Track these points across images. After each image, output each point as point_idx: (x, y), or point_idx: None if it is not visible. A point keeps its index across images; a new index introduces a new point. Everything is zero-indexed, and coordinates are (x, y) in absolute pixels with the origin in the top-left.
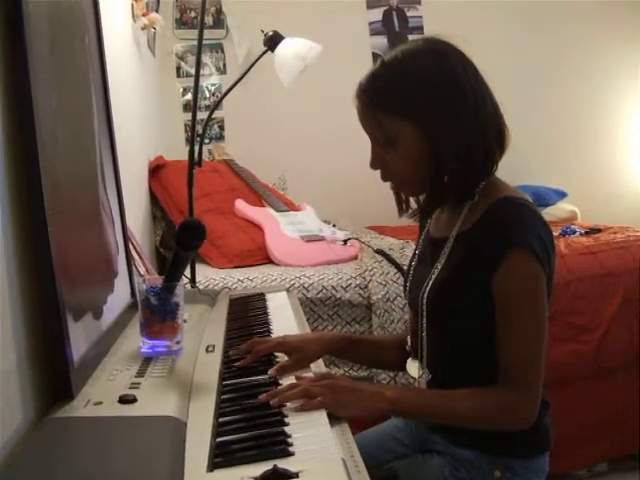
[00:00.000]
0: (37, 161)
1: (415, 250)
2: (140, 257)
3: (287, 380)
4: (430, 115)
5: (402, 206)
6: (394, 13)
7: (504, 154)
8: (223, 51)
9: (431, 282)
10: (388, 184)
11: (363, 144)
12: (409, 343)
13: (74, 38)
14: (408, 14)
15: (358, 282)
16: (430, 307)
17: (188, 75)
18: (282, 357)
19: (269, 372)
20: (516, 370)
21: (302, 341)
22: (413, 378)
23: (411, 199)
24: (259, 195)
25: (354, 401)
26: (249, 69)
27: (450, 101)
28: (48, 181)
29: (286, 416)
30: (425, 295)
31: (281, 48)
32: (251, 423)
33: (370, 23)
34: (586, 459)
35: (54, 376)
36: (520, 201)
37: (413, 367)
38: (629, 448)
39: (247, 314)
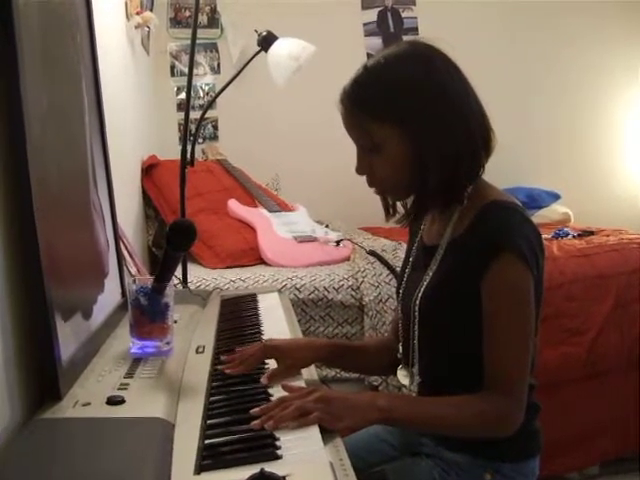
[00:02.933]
0: (25, 159)
1: (407, 257)
2: (131, 257)
3: (278, 386)
4: (414, 119)
5: (389, 211)
6: (389, 14)
7: (490, 157)
8: (217, 51)
9: (423, 289)
10: None
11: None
12: (400, 350)
13: (65, 35)
14: (403, 15)
15: (350, 283)
16: (422, 313)
17: (182, 74)
18: (272, 363)
19: (261, 380)
20: (501, 374)
21: (292, 347)
22: (404, 385)
23: (398, 203)
24: (252, 195)
25: (348, 412)
26: (242, 69)
27: (434, 104)
28: (36, 179)
29: None
30: (417, 302)
31: (275, 48)
32: (239, 426)
33: (365, 24)
34: (577, 462)
35: (42, 377)
36: (508, 205)
37: (403, 374)
38: (621, 451)
39: (238, 315)
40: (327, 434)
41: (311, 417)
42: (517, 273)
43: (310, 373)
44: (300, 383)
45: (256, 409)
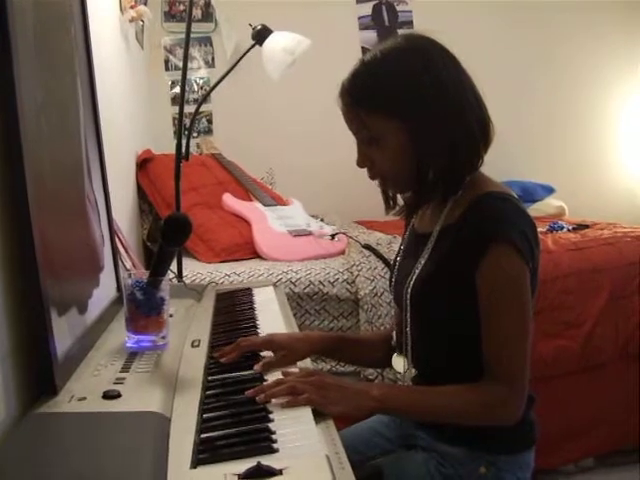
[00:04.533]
0: (20, 153)
1: (400, 245)
2: (126, 251)
3: (273, 376)
4: (412, 112)
5: (389, 203)
6: (384, 7)
7: (489, 148)
8: (212, 44)
9: (415, 277)
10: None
11: (352, 139)
12: (394, 338)
13: (60, 29)
14: (398, 8)
15: (345, 277)
16: (413, 301)
17: (176, 68)
18: (269, 355)
19: (254, 367)
20: (501, 365)
21: (289, 339)
22: (399, 373)
23: (399, 196)
24: (247, 189)
25: (341, 398)
26: (237, 63)
27: (431, 97)
28: (31, 173)
29: (271, 412)
30: (409, 290)
31: (269, 42)
32: (236, 419)
33: (359, 17)
34: (573, 454)
35: (37, 371)
36: (503, 196)
37: (398, 362)
38: (616, 443)
39: (234, 309)
40: (323, 428)
41: (302, 398)
42: (512, 264)
43: (305, 364)
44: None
45: (251, 390)
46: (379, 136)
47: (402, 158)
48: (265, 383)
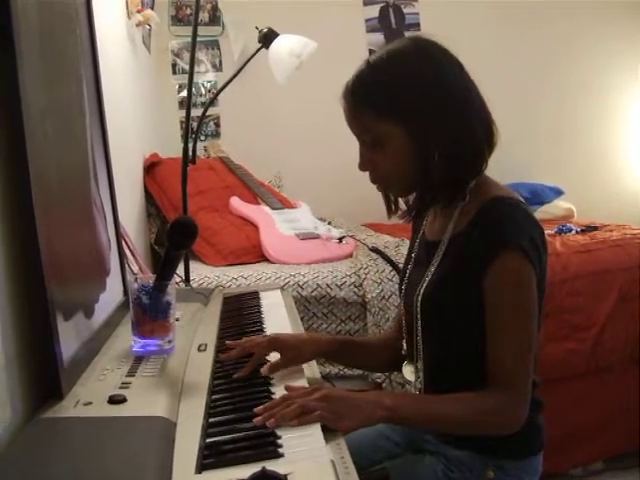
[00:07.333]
0: (25, 156)
1: (410, 252)
2: (133, 255)
3: (279, 379)
4: (416, 115)
5: (391, 207)
6: (391, 10)
7: (493, 152)
8: (219, 48)
9: (425, 284)
10: None
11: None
12: (404, 347)
13: (66, 32)
14: (405, 11)
15: (353, 280)
16: (424, 309)
17: (184, 72)
18: (273, 357)
19: (261, 370)
20: (503, 370)
21: (295, 340)
22: (409, 382)
23: (400, 200)
24: (254, 193)
25: (352, 412)
26: (243, 66)
27: (436, 102)
28: (37, 177)
29: None
30: (419, 298)
31: (276, 45)
32: (241, 424)
33: (367, 20)
34: (581, 458)
35: (43, 376)
36: (511, 201)
37: (409, 370)
38: (625, 446)
39: (241, 312)
40: (329, 432)
41: (313, 415)
42: (520, 270)
43: (312, 371)
44: (302, 381)
45: (259, 407)
46: (382, 139)
47: (404, 161)
48: (272, 403)
